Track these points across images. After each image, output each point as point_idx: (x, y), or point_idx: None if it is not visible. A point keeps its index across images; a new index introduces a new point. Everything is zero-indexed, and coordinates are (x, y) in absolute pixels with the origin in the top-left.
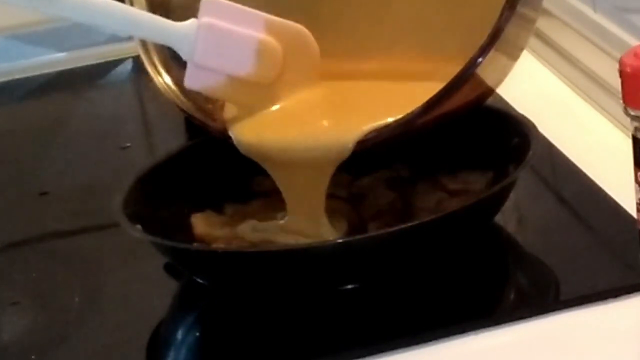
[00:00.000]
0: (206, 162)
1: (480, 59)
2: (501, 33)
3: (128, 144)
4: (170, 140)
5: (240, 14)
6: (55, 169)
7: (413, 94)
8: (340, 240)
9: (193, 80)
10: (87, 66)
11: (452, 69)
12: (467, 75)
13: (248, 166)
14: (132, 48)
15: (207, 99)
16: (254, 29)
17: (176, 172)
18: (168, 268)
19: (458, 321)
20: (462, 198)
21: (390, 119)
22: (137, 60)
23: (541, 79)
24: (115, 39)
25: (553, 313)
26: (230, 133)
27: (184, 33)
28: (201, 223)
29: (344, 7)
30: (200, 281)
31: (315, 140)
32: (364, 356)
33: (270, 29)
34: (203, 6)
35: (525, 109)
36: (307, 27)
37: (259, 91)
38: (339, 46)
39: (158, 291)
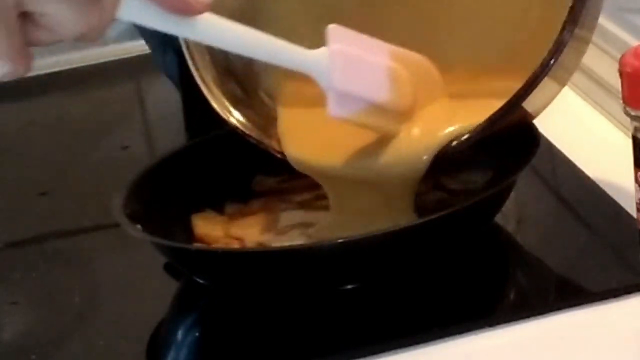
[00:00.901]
0: (206, 162)
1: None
2: (559, 54)
3: (128, 144)
4: (170, 140)
5: (367, 42)
6: (55, 169)
7: (474, 106)
8: (340, 240)
9: (337, 108)
10: (87, 66)
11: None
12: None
13: (248, 166)
14: (133, 48)
15: (260, 114)
16: (381, 56)
17: (176, 172)
18: (168, 268)
19: (458, 321)
20: (462, 198)
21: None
22: (137, 60)
23: None
24: (115, 39)
25: (553, 313)
26: (287, 152)
27: (318, 60)
28: (201, 223)
29: (407, 16)
30: (200, 281)
31: (393, 156)
32: (364, 356)
33: (394, 57)
34: (331, 33)
35: None
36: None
37: (396, 118)
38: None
39: (158, 291)
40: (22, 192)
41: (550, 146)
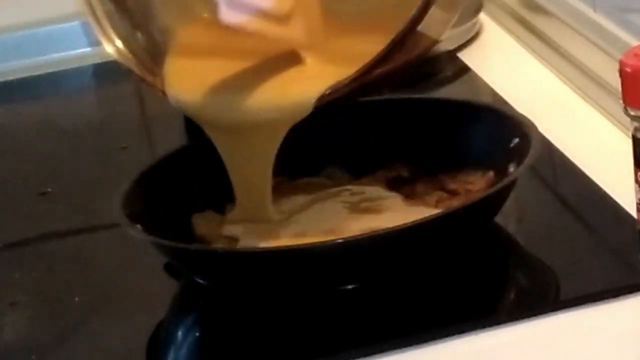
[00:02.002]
0: (206, 162)
1: (422, 13)
2: None
3: (128, 144)
4: (170, 140)
5: None
6: (55, 169)
7: (360, 50)
8: (340, 240)
9: (228, 13)
10: (87, 66)
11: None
12: (408, 30)
13: None
14: None
15: (147, 50)
16: None
17: (176, 172)
18: (168, 268)
19: (458, 321)
20: (462, 198)
21: (345, 74)
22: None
23: (541, 79)
24: None
25: (553, 313)
26: (168, 90)
27: None
28: (201, 223)
29: None
30: (200, 281)
31: (275, 99)
32: (364, 356)
33: None
34: None
35: (525, 109)
36: None
37: (280, 22)
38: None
39: (158, 291)
40: (22, 192)
41: (550, 146)
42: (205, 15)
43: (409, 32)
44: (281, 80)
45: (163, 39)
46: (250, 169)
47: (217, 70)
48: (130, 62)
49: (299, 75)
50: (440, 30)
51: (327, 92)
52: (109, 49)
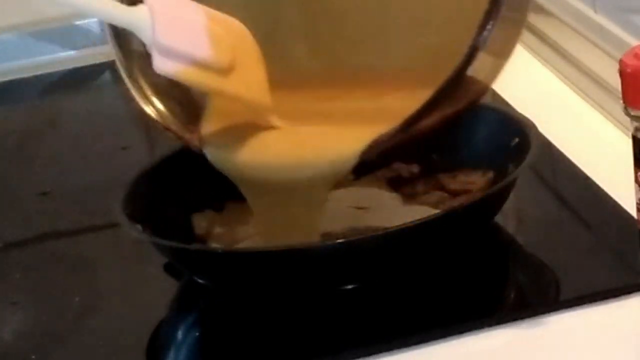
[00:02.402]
0: (206, 162)
1: (467, 62)
2: (485, 40)
3: (128, 144)
4: (170, 140)
5: (182, 2)
6: (55, 169)
7: (402, 104)
8: (340, 240)
9: (162, 63)
10: (87, 66)
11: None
12: (458, 77)
13: None
14: None
15: (183, 106)
16: (199, 15)
17: (176, 172)
18: (168, 268)
19: (458, 321)
20: (462, 198)
21: (388, 127)
22: None
23: (541, 79)
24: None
25: (553, 313)
26: (209, 150)
27: (138, 16)
28: (201, 223)
29: (319, 30)
30: (200, 281)
31: (315, 157)
32: (364, 356)
33: (211, 18)
34: None
35: (525, 109)
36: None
37: (218, 75)
38: (310, 69)
39: (158, 291)
40: (22, 192)
41: (550, 146)
42: None
43: (454, 82)
44: (324, 138)
45: (199, 94)
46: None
47: (258, 131)
48: (169, 121)
49: (339, 133)
50: (491, 77)
51: (370, 147)
52: (147, 109)
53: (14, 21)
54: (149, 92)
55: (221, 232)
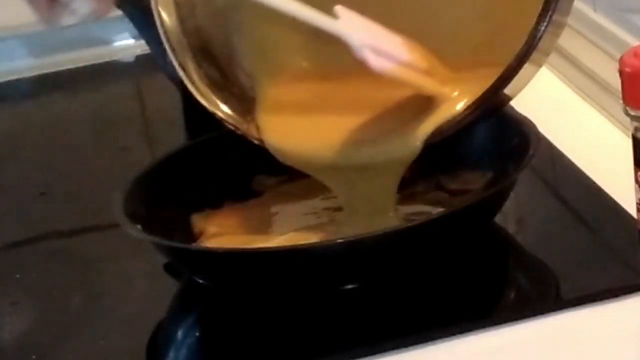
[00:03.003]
0: (206, 162)
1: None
2: (538, 41)
3: (128, 144)
4: (170, 140)
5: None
6: (55, 169)
7: (464, 89)
8: (340, 240)
9: (378, 62)
10: (87, 66)
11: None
12: (520, 63)
13: (248, 166)
14: (133, 48)
15: (237, 96)
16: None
17: (176, 172)
18: (168, 268)
19: (458, 321)
20: (462, 198)
21: (447, 112)
22: (137, 60)
23: (541, 79)
24: (115, 39)
25: (553, 313)
26: (269, 140)
27: (342, 24)
28: (201, 223)
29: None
30: (200, 281)
31: (380, 146)
32: (364, 356)
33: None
34: (340, 10)
35: (525, 109)
36: None
37: (428, 80)
38: None
39: (158, 291)
40: (22, 192)
41: (550, 146)
42: (303, 64)
43: (516, 68)
44: (391, 124)
45: (250, 83)
46: (370, 198)
47: (319, 119)
48: (226, 114)
49: (401, 121)
50: (520, 86)
51: (435, 133)
52: (203, 102)
53: (14, 21)
54: (210, 93)
55: (221, 232)
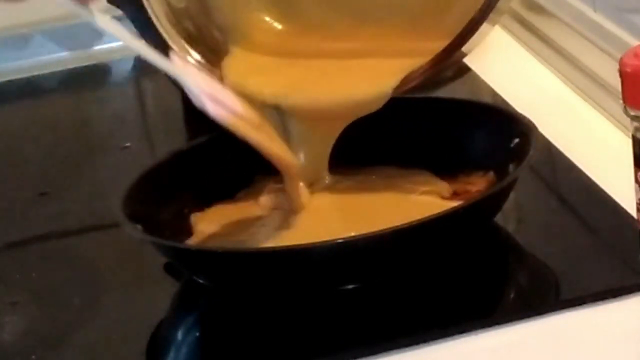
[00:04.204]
0: (206, 162)
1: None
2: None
3: (128, 144)
4: (170, 140)
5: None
6: (55, 169)
7: (419, 50)
8: (340, 240)
9: (215, 109)
10: (87, 66)
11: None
12: (483, 15)
13: (248, 166)
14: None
15: (211, 49)
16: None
17: (176, 172)
18: (168, 268)
19: (458, 321)
20: (462, 198)
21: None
22: (137, 60)
23: (541, 79)
24: (115, 39)
25: (553, 313)
26: (227, 79)
27: (190, 72)
28: (201, 223)
29: None
30: (200, 281)
31: (352, 91)
32: (364, 356)
33: None
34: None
35: (525, 109)
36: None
37: (259, 134)
38: (327, 22)
39: (158, 291)
40: (22, 192)
41: (550, 146)
42: (273, 19)
43: (479, 20)
44: (356, 75)
45: (224, 38)
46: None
47: (285, 66)
48: (202, 65)
49: (370, 70)
50: (477, 43)
51: (403, 81)
52: (188, 59)
53: (14, 21)
54: (183, 42)
55: (220, 232)
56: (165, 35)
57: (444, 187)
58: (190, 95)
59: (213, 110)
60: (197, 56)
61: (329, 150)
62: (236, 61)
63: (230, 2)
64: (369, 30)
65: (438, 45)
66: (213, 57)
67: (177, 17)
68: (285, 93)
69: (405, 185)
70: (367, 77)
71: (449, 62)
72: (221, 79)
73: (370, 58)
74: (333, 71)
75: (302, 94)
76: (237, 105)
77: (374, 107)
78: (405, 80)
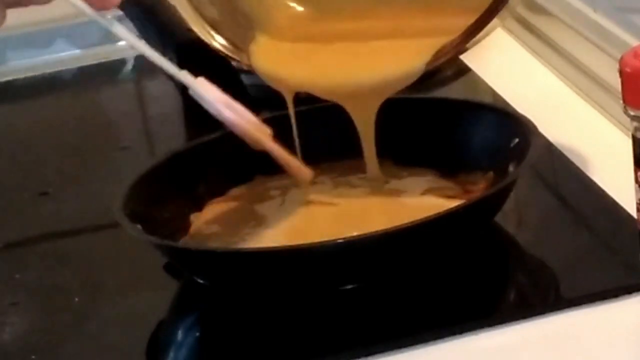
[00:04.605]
0: (206, 162)
1: None
2: None
3: (128, 144)
4: (170, 140)
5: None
6: (55, 169)
7: (446, 27)
8: (340, 240)
9: (232, 116)
10: (87, 66)
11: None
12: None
13: (248, 166)
14: (133, 48)
15: (236, 35)
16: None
17: (176, 172)
18: (168, 268)
19: (458, 321)
20: (462, 198)
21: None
22: (137, 60)
23: (541, 79)
24: (115, 39)
25: (553, 313)
26: (255, 64)
27: (203, 82)
28: (200, 223)
29: None
30: (200, 281)
31: (387, 68)
32: (364, 356)
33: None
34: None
35: (525, 109)
36: None
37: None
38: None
39: (158, 291)
40: (22, 192)
41: (550, 146)
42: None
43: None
44: (388, 53)
45: (248, 24)
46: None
47: (313, 51)
48: (228, 49)
49: (401, 48)
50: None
51: (436, 56)
52: (211, 43)
53: (14, 21)
54: (206, 25)
55: (220, 232)
56: (188, 20)
57: (449, 186)
58: (203, 103)
59: (229, 116)
60: (222, 40)
61: (372, 131)
62: (264, 48)
63: None
64: (394, 10)
65: (465, 21)
66: (238, 41)
67: (201, 3)
68: (319, 75)
69: (407, 184)
70: (400, 54)
71: (472, 42)
72: (248, 65)
73: (398, 38)
74: (365, 52)
75: (338, 75)
76: (248, 112)
77: (410, 82)
78: (437, 54)
